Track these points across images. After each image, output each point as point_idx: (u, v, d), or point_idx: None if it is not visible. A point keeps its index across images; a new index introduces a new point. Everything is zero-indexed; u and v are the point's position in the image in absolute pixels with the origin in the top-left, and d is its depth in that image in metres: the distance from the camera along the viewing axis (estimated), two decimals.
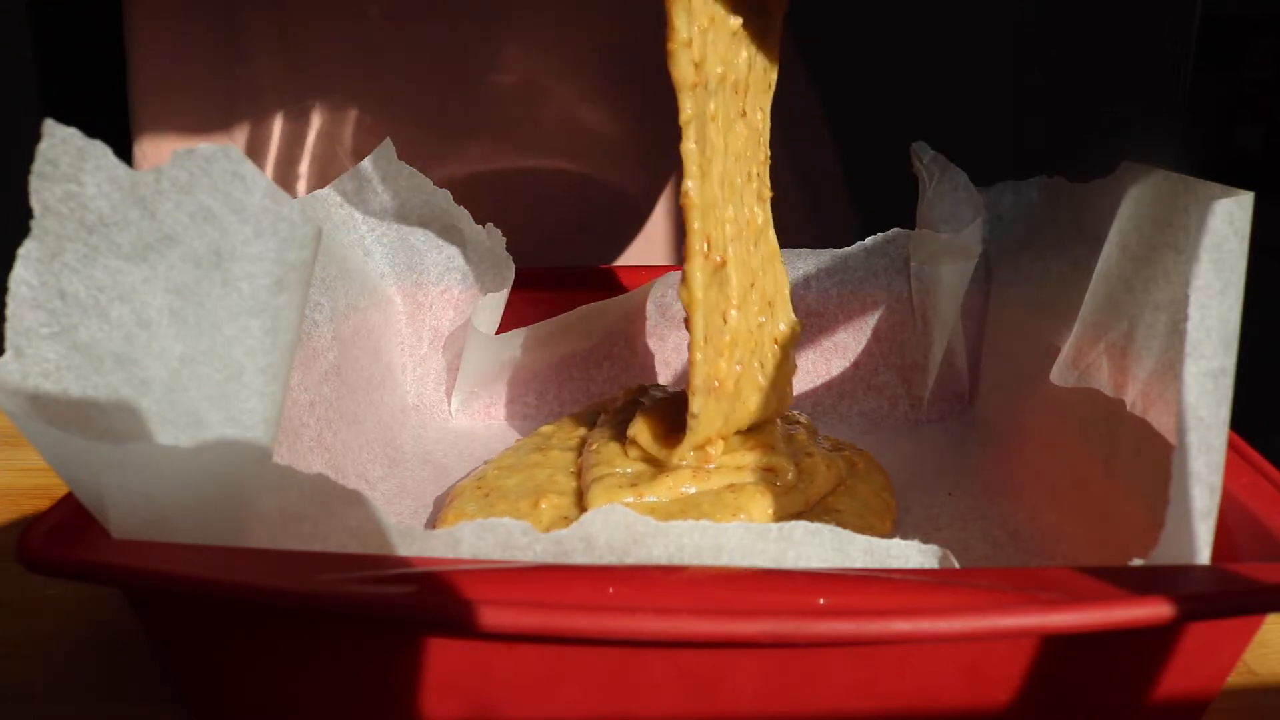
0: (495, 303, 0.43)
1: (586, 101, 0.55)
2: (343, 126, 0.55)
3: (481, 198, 0.54)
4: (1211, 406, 0.23)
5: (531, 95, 0.54)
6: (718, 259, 0.32)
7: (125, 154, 0.24)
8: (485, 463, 0.38)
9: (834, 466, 0.35)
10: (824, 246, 0.43)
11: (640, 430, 0.35)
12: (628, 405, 0.38)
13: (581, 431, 0.38)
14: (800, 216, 0.60)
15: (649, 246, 0.57)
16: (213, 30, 0.56)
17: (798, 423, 0.38)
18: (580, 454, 0.37)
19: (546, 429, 0.39)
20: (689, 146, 0.31)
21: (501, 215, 0.43)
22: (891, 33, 1.34)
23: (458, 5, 0.53)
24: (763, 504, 0.32)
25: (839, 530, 0.24)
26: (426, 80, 0.54)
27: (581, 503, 0.33)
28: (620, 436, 0.35)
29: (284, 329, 0.25)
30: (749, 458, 0.34)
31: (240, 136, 0.56)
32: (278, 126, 0.55)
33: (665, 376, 0.44)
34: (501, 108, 0.54)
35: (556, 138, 0.55)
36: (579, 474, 0.35)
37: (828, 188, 0.64)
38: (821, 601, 0.21)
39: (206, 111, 0.57)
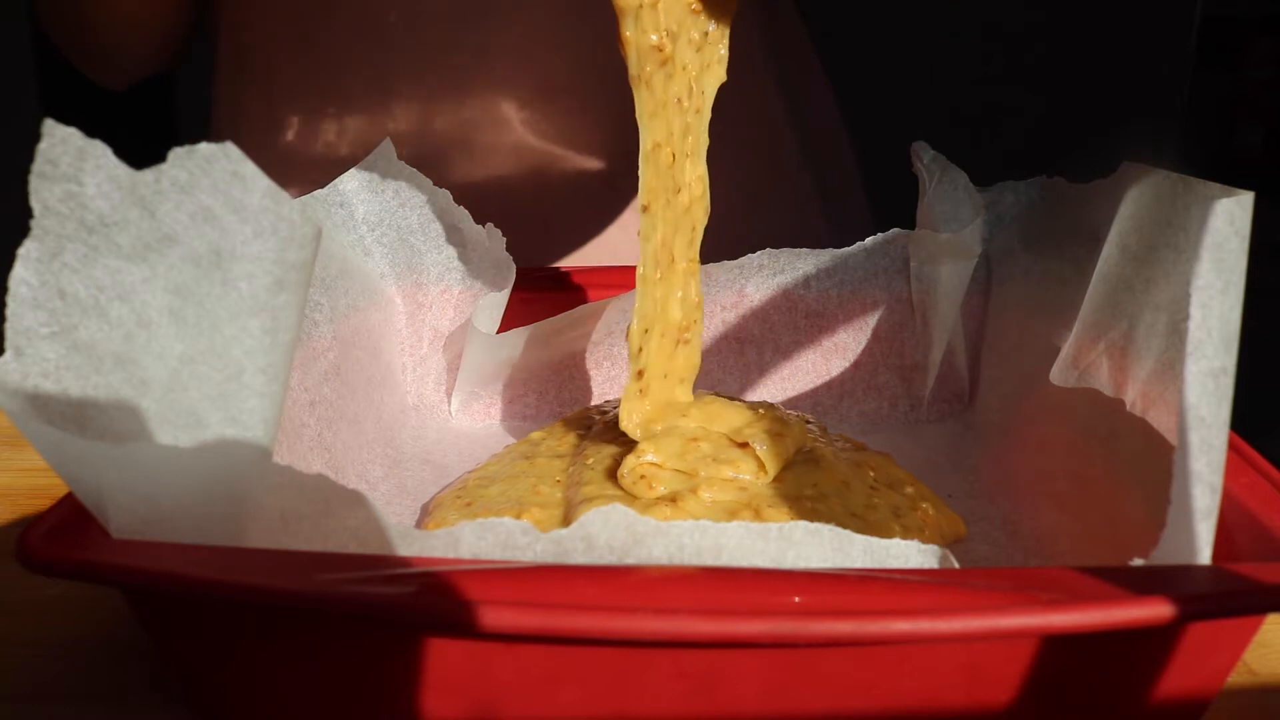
0: (495, 303, 0.43)
1: (597, 108, 0.55)
2: (356, 130, 0.55)
3: (489, 201, 0.54)
4: (1212, 406, 0.23)
5: (540, 100, 0.54)
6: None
7: (125, 154, 0.24)
8: (469, 471, 0.38)
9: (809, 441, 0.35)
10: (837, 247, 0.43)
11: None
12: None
13: (572, 438, 0.38)
14: (816, 217, 0.60)
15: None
16: (236, 37, 0.56)
17: (808, 423, 0.38)
18: (570, 461, 0.36)
19: (536, 435, 0.39)
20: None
21: (509, 217, 0.43)
22: (898, 35, 1.35)
23: (469, 9, 0.53)
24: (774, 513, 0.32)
25: (839, 530, 0.24)
26: (438, 83, 0.54)
27: (566, 518, 0.33)
28: (614, 454, 0.35)
29: (284, 329, 0.25)
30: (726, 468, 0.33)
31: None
32: (295, 131, 0.56)
33: None
34: (512, 112, 0.54)
35: (567, 142, 0.55)
36: (567, 485, 0.35)
37: (844, 190, 0.64)
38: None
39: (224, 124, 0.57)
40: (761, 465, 0.33)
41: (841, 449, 0.37)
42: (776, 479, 0.33)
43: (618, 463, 0.34)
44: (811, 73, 0.63)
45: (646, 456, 0.34)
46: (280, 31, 0.55)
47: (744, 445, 0.34)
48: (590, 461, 0.35)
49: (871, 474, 0.35)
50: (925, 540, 0.33)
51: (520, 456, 0.37)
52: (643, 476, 0.33)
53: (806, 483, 0.33)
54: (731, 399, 0.37)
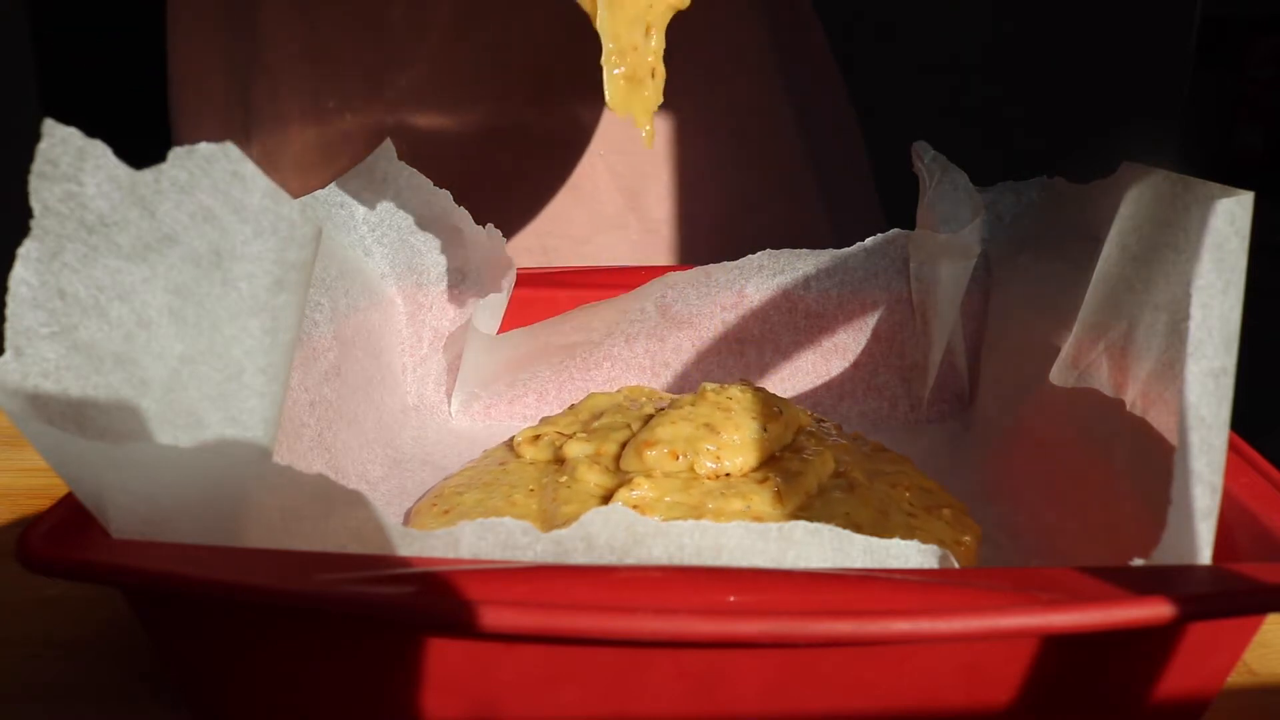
0: (495, 303, 0.43)
1: (600, 107, 0.55)
2: (358, 128, 0.55)
3: (494, 197, 0.55)
4: (1213, 406, 0.23)
5: (541, 100, 0.54)
6: None
7: (125, 154, 0.24)
8: (445, 478, 0.37)
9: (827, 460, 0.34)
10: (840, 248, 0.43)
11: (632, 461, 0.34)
12: (600, 429, 0.36)
13: (550, 440, 0.37)
14: (822, 220, 0.60)
15: (650, 245, 0.57)
16: (236, 40, 0.56)
17: (822, 421, 0.38)
18: (544, 470, 0.36)
19: (518, 436, 0.38)
20: None
21: (512, 215, 0.43)
22: (897, 34, 1.34)
23: (470, 9, 0.53)
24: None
25: (839, 530, 0.24)
26: (439, 82, 0.54)
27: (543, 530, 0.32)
28: (595, 467, 0.34)
29: (284, 329, 0.25)
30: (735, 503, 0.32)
31: (260, 144, 0.56)
32: (297, 132, 0.56)
33: (665, 378, 0.44)
34: (518, 110, 0.55)
35: (569, 143, 0.55)
36: (544, 497, 0.34)
37: (855, 191, 0.64)
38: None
39: (230, 121, 0.57)
40: (779, 497, 0.32)
41: (860, 450, 0.36)
42: (804, 507, 0.32)
43: (605, 492, 0.33)
44: (823, 74, 0.63)
45: (638, 492, 0.32)
46: (281, 32, 0.55)
47: (762, 481, 0.33)
48: (564, 479, 0.34)
49: (907, 495, 0.34)
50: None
51: (496, 462, 0.37)
52: (635, 507, 0.32)
53: (838, 512, 0.32)
54: (763, 402, 0.36)
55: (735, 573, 0.23)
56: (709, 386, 0.37)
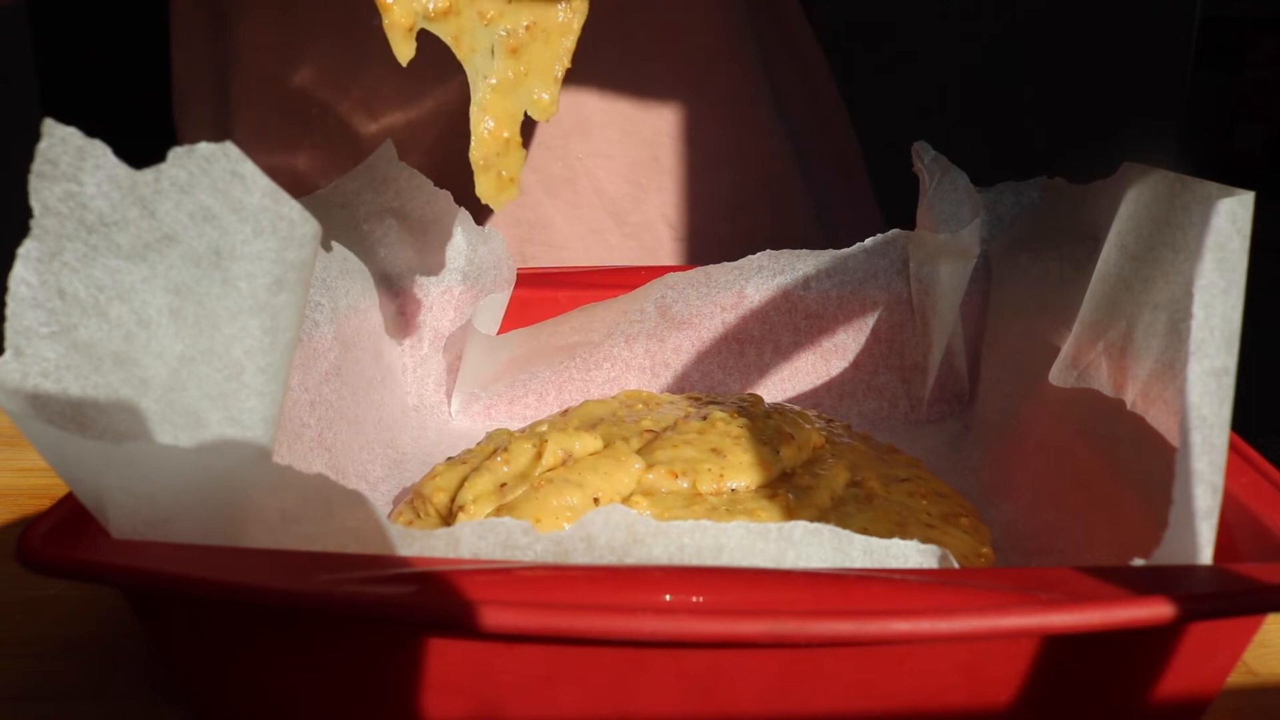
0: (496, 303, 0.43)
1: (593, 104, 0.55)
2: (346, 131, 0.55)
3: (471, 204, 0.54)
4: (1214, 406, 0.23)
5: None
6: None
7: (125, 154, 0.24)
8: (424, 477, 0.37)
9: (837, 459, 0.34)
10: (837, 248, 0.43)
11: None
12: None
13: (530, 446, 0.37)
14: (810, 222, 0.60)
15: (629, 250, 0.57)
16: (220, 45, 0.56)
17: (831, 422, 0.38)
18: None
19: (501, 434, 0.37)
20: None
21: (507, 218, 0.43)
22: (898, 35, 1.35)
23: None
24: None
25: (839, 530, 0.24)
26: (427, 83, 0.54)
27: None
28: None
29: (283, 328, 0.25)
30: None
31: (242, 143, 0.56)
32: (282, 133, 0.56)
33: (665, 378, 0.44)
34: None
35: (564, 143, 0.55)
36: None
37: (850, 192, 0.64)
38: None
39: (217, 127, 0.57)
40: (789, 514, 0.31)
41: (874, 453, 0.36)
42: (819, 520, 0.31)
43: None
44: (810, 74, 0.63)
45: (635, 510, 0.31)
46: (261, 39, 0.55)
47: (772, 497, 0.32)
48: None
49: (924, 503, 0.33)
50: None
51: (475, 468, 0.37)
52: None
53: (854, 526, 0.31)
54: (778, 415, 0.36)
55: (735, 573, 0.23)
56: (719, 415, 0.36)
